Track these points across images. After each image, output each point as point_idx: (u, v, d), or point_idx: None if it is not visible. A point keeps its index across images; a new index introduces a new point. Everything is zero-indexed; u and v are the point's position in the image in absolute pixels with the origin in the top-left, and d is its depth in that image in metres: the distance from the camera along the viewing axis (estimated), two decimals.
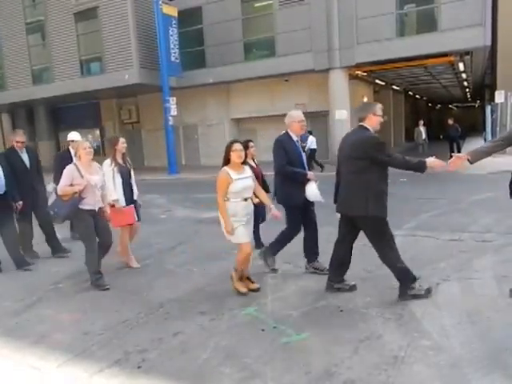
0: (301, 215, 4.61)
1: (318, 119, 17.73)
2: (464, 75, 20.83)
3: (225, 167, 4.06)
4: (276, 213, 4.25)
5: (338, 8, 15.61)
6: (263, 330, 3.43)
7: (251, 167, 4.52)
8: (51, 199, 5.31)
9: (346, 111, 16.41)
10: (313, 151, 14.52)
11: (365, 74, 18.01)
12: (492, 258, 4.86)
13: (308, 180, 4.50)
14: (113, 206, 4.99)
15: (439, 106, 43.73)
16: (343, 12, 15.55)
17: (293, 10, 16.45)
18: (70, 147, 6.50)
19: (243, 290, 4.22)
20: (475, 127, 33.29)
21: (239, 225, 4.06)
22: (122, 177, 5.08)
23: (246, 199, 4.09)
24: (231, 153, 4.01)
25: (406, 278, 3.82)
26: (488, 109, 19.05)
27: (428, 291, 3.84)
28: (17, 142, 5.73)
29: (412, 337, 3.16)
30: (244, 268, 4.30)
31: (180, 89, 18.44)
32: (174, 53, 17.47)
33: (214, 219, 8.10)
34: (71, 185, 4.47)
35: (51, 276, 5.12)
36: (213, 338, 3.35)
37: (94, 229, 4.62)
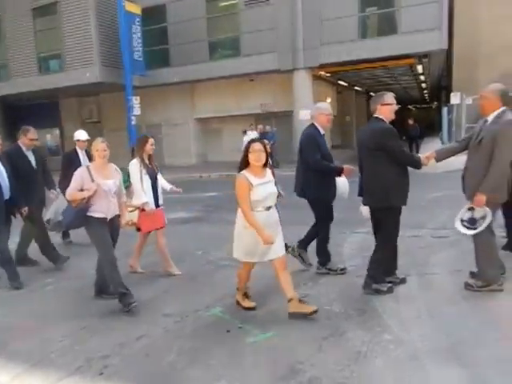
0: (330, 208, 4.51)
1: (282, 119, 17.87)
2: (422, 77, 21.57)
3: (243, 171, 3.50)
4: None
5: (303, 9, 15.82)
6: (229, 331, 3.42)
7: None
8: (55, 205, 4.88)
9: (309, 111, 16.61)
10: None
11: (328, 74, 18.31)
12: (448, 253, 5.07)
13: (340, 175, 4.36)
14: (143, 209, 4.62)
15: (399, 106, 45.13)
16: (308, 13, 15.77)
17: (258, 10, 16.53)
18: (77, 147, 6.14)
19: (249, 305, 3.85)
20: (432, 127, 34.46)
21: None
22: (150, 179, 4.77)
23: (268, 208, 3.54)
24: (249, 154, 3.47)
25: (380, 273, 3.95)
26: (444, 110, 19.76)
27: (390, 289, 3.94)
28: (31, 139, 5.11)
29: (374, 332, 3.25)
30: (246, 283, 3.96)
31: (143, 88, 18.09)
32: (138, 51, 17.11)
33: (180, 220, 8.08)
34: (81, 189, 3.94)
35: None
36: (177, 340, 3.32)
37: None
